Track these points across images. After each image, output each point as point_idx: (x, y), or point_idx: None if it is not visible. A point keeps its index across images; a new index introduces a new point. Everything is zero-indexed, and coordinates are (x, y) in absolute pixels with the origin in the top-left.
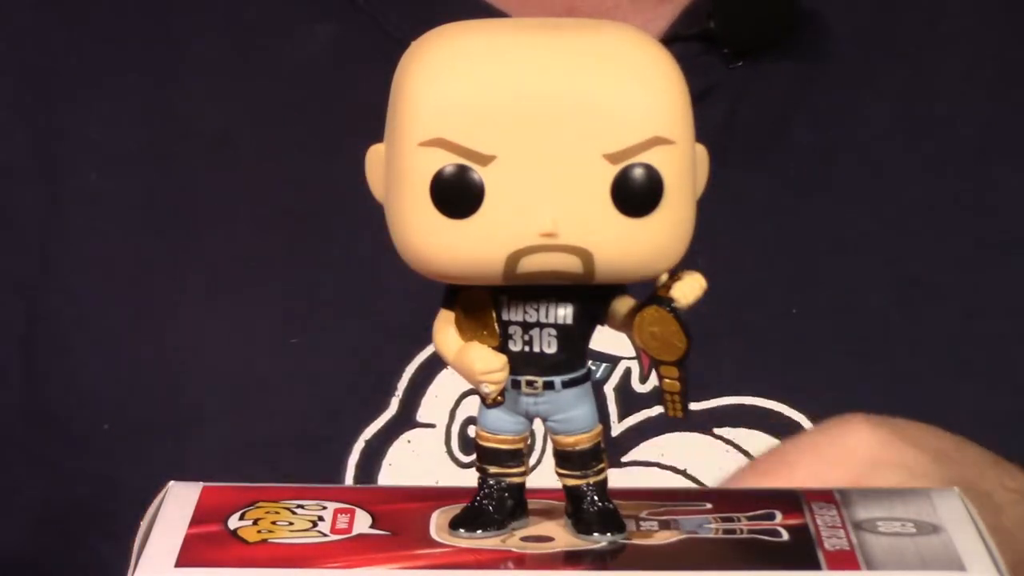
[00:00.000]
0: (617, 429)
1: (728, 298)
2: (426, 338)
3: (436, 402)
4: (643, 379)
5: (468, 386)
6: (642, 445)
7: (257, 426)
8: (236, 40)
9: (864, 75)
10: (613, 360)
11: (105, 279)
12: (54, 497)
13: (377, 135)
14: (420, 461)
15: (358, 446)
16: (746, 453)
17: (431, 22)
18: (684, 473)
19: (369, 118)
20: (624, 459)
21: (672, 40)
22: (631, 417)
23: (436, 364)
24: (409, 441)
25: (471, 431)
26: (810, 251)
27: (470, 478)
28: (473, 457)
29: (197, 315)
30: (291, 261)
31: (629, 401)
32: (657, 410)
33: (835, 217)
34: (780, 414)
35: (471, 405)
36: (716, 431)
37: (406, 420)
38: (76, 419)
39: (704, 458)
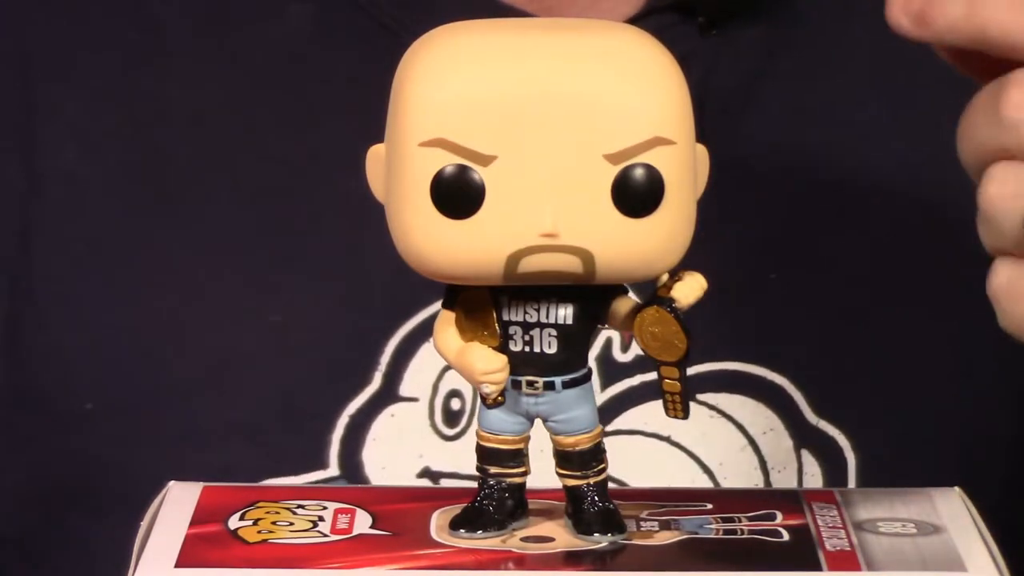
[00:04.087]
0: (600, 399)
1: (706, 264)
2: (408, 312)
3: (419, 376)
4: (624, 348)
5: None
6: (625, 414)
7: (239, 403)
8: (213, 20)
9: (833, 38)
10: None
11: (85, 257)
12: (37, 475)
13: (353, 111)
14: (404, 435)
15: (342, 421)
16: (730, 418)
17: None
18: (668, 440)
19: (346, 96)
20: (608, 428)
21: (648, 11)
22: (613, 386)
23: (418, 337)
24: (393, 415)
25: (454, 404)
26: (785, 215)
27: (453, 451)
28: (457, 430)
29: (178, 293)
30: (270, 238)
31: (611, 370)
32: (639, 378)
33: (809, 181)
34: (763, 378)
35: (454, 378)
36: (699, 396)
37: (389, 394)
38: (58, 397)
39: (688, 423)
